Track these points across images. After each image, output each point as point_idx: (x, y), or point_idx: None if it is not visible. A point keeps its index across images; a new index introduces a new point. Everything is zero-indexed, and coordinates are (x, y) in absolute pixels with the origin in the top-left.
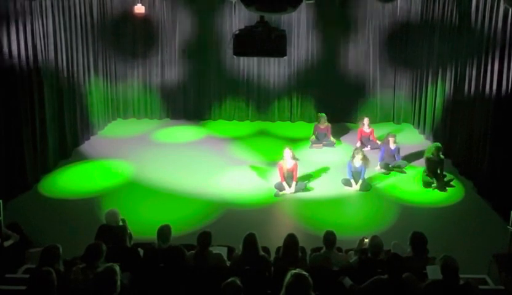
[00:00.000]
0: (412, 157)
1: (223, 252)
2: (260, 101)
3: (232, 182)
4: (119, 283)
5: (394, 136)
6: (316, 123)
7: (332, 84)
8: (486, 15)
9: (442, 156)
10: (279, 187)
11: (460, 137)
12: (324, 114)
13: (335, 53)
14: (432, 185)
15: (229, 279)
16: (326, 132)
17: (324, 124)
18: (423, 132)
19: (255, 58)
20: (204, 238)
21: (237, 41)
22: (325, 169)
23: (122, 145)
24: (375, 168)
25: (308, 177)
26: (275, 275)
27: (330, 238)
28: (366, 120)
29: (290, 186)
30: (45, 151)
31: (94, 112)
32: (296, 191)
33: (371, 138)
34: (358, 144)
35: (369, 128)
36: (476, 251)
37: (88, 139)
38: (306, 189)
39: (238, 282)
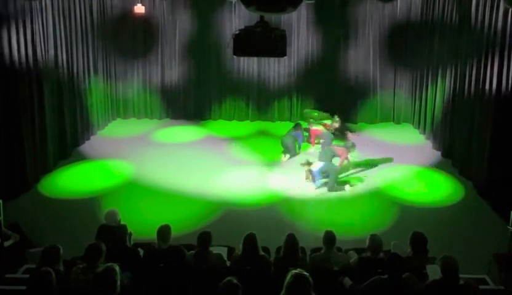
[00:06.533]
0: (411, 157)
1: (223, 252)
2: (260, 101)
3: (232, 182)
4: (119, 282)
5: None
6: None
7: (331, 84)
8: (486, 15)
9: None
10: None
11: (460, 137)
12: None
13: (335, 53)
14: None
15: (225, 279)
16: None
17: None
18: (423, 132)
19: (255, 58)
20: (204, 238)
21: (237, 41)
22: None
23: (122, 145)
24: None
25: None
26: (275, 275)
27: (330, 238)
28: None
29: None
30: (45, 151)
31: (94, 112)
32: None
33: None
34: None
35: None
36: (476, 251)
37: (88, 139)
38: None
39: (235, 281)
